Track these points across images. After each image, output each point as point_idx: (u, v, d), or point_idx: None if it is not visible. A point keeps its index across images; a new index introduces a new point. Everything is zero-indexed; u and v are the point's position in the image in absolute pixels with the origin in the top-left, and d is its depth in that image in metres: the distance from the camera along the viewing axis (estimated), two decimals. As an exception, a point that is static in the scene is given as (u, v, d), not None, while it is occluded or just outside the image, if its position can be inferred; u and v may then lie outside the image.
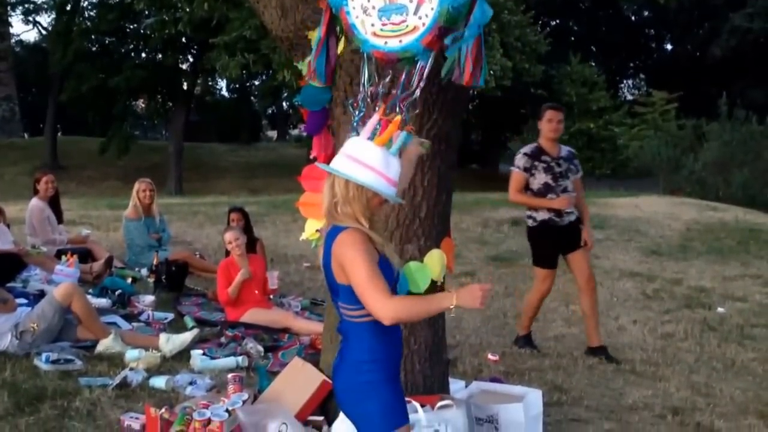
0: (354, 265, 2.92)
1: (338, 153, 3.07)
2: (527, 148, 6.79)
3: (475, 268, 10.38)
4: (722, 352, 6.91)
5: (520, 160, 6.68)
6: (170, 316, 7.21)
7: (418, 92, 3.35)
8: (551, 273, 6.72)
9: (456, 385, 5.00)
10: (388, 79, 3.64)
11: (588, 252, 6.76)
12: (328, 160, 4.41)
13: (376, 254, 3.00)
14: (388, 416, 3.03)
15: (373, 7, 3.33)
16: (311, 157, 4.46)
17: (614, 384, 5.95)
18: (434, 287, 4.13)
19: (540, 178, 6.59)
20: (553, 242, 6.67)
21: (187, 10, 20.08)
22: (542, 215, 6.62)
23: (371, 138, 3.03)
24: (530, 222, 6.73)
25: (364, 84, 3.50)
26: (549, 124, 6.67)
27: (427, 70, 3.33)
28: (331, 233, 3.03)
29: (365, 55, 3.45)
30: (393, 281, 3.09)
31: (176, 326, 6.88)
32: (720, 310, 8.39)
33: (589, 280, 6.69)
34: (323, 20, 3.68)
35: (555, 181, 6.59)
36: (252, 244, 8.36)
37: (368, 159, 2.97)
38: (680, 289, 9.21)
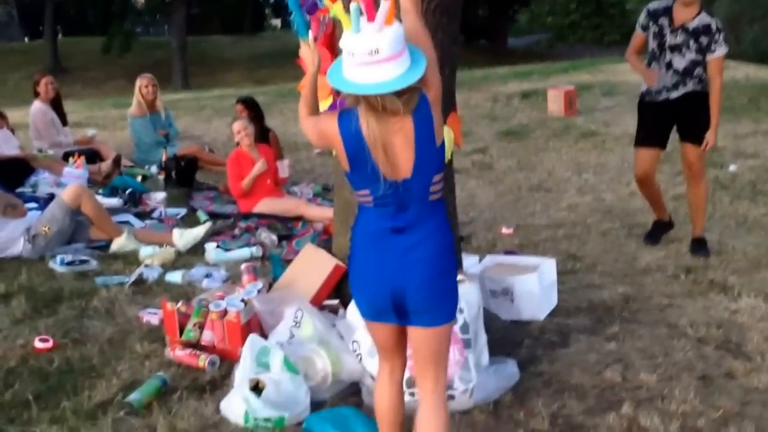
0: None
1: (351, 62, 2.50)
2: (655, 4, 5.70)
3: (486, 144, 10.28)
4: (734, 210, 6.86)
5: (641, 15, 5.78)
6: (182, 211, 7.20)
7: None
8: (641, 152, 5.86)
9: (470, 261, 4.99)
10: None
11: (701, 146, 5.66)
12: (328, 42, 4.29)
13: None
14: (457, 303, 2.83)
15: None
16: (310, 39, 4.32)
17: (627, 248, 5.93)
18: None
19: (650, 44, 5.68)
20: (645, 119, 5.87)
21: None
22: (642, 86, 5.83)
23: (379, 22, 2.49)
24: None
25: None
26: None
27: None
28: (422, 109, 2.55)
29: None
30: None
31: (189, 221, 6.89)
32: (732, 168, 8.29)
33: (690, 170, 5.81)
34: None
35: (661, 52, 5.63)
36: (264, 135, 8.27)
37: (396, 45, 2.47)
38: (691, 147, 9.12)
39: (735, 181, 7.78)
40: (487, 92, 14.25)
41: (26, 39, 38.69)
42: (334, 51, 4.20)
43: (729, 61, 14.69)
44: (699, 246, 5.80)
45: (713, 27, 5.45)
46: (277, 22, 52.01)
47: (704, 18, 5.48)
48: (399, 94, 2.48)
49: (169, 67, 28.36)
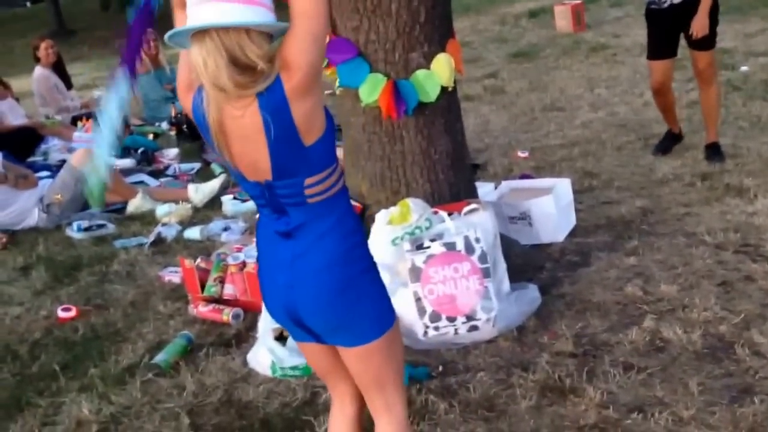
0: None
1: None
2: None
3: (497, 67, 10.14)
4: (747, 111, 6.72)
5: None
6: (197, 165, 7.18)
7: None
8: (653, 64, 5.77)
9: (485, 188, 4.95)
10: None
11: (704, 46, 5.56)
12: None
13: None
14: (385, 313, 2.20)
15: None
16: None
17: (643, 161, 5.84)
18: (445, 92, 4.00)
19: None
20: (653, 28, 5.79)
21: None
22: None
23: None
24: None
25: None
26: None
27: None
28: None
29: None
30: None
31: (204, 175, 6.85)
32: (743, 68, 8.12)
33: (700, 77, 5.72)
34: None
35: None
36: None
37: None
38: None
39: (747, 82, 7.61)
40: (495, 14, 14.03)
41: (28, 4, 38.43)
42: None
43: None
44: (713, 152, 5.70)
45: None
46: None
47: None
48: (240, 69, 1.92)
49: (171, 20, 28.12)
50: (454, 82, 4.07)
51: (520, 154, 6.38)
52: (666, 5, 5.58)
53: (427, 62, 3.95)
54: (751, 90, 7.31)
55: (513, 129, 7.29)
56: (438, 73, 3.93)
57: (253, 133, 1.97)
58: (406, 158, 4.04)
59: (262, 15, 1.94)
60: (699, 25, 5.44)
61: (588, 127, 6.93)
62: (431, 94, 3.93)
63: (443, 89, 3.96)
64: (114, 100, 2.82)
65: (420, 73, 3.92)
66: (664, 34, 5.68)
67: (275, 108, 1.94)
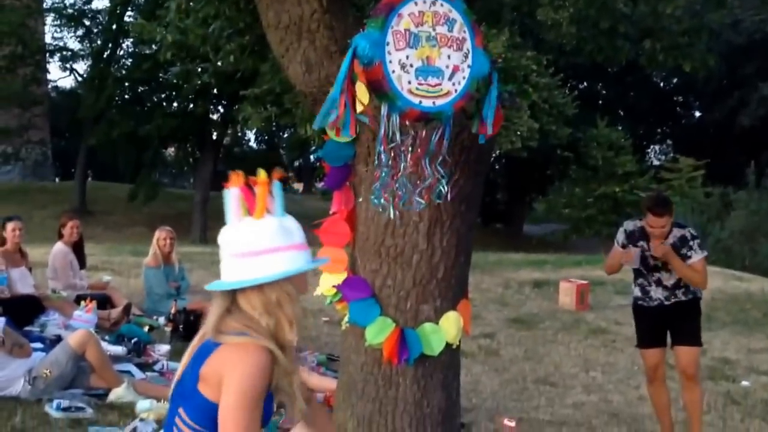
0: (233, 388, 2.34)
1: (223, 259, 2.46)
2: (630, 224, 5.98)
3: (494, 329, 10.27)
4: (745, 428, 6.72)
5: (619, 234, 6.03)
6: (184, 366, 7.14)
7: (445, 151, 3.41)
8: (646, 353, 6.04)
9: (469, 451, 4.91)
10: (409, 138, 3.67)
11: (692, 348, 5.83)
12: (349, 216, 4.39)
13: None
14: None
15: (411, 66, 3.43)
16: (331, 212, 4.45)
17: (632, 457, 5.81)
18: (448, 348, 4.09)
19: (636, 264, 5.88)
20: (641, 323, 6.07)
21: (215, 62, 20.31)
22: (635, 292, 6.04)
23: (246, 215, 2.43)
24: None
25: (388, 139, 3.51)
26: (650, 229, 5.71)
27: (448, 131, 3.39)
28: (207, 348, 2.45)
29: (387, 112, 3.47)
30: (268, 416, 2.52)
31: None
32: (744, 383, 8.18)
33: (684, 374, 5.86)
34: (346, 71, 3.58)
35: (648, 271, 5.87)
36: None
37: (264, 241, 2.36)
38: (704, 360, 9.01)
39: (747, 397, 7.64)
40: (500, 277, 14.33)
41: (57, 179, 39.66)
42: (353, 225, 4.30)
43: (744, 274, 14.78)
44: None
45: (687, 236, 5.73)
46: (299, 186, 53.20)
47: (677, 232, 5.74)
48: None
49: (189, 219, 28.87)
50: (459, 340, 4.17)
51: (507, 422, 6.32)
52: (655, 303, 5.86)
53: (436, 316, 4.07)
54: (750, 407, 7.32)
55: (503, 394, 7.30)
56: (445, 330, 4.04)
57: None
58: (398, 405, 4.07)
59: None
60: (663, 249, 5.63)
61: (579, 409, 6.93)
62: (435, 348, 4.02)
63: (448, 345, 4.05)
64: None
65: (427, 326, 4.03)
66: (652, 329, 5.94)
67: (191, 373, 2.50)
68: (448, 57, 3.51)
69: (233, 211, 2.40)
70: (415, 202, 3.62)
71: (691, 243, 5.70)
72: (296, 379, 2.47)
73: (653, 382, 6.03)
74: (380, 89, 3.41)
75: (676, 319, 5.84)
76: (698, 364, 5.93)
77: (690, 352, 5.81)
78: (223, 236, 2.42)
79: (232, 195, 2.40)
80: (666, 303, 5.84)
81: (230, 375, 2.32)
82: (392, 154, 3.56)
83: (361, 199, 4.16)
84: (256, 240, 2.35)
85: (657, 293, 5.87)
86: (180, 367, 2.55)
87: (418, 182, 3.73)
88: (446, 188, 3.76)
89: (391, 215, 3.90)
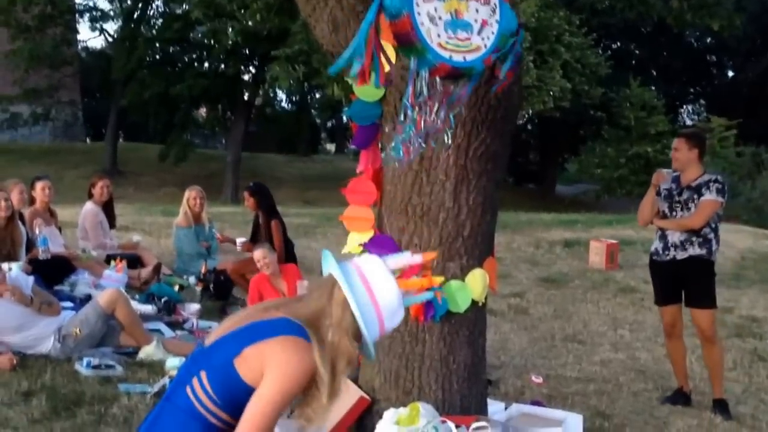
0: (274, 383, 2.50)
1: (354, 261, 2.69)
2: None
3: (524, 288, 10.24)
4: (771, 384, 6.71)
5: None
6: (215, 325, 7.17)
7: (464, 102, 3.36)
8: (663, 310, 6.15)
9: (495, 407, 4.91)
10: (437, 95, 3.60)
11: (702, 304, 5.91)
12: (375, 175, 4.37)
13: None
14: None
15: (440, 18, 3.28)
16: (358, 171, 4.44)
17: (659, 412, 5.80)
18: (474, 306, 4.08)
19: (661, 205, 6.07)
20: (656, 279, 6.20)
21: (242, 20, 20.15)
22: (654, 244, 6.16)
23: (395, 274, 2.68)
24: None
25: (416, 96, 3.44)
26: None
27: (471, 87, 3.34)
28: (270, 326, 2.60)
29: (416, 67, 3.39)
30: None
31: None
32: (771, 339, 8.16)
33: (702, 335, 5.98)
34: (372, 20, 3.30)
35: (671, 211, 6.00)
36: (267, 224, 8.49)
37: (381, 296, 2.60)
38: (731, 317, 8.98)
39: (774, 354, 7.62)
40: (531, 237, 14.26)
41: (88, 140, 39.88)
42: (379, 185, 4.28)
43: (768, 231, 14.47)
44: (721, 408, 5.78)
45: (711, 180, 5.89)
46: (331, 146, 53.13)
47: (707, 176, 5.93)
48: None
49: (221, 180, 28.95)
50: (485, 297, 4.16)
51: (534, 379, 6.36)
52: (668, 258, 5.93)
53: (462, 274, 4.06)
54: (777, 364, 7.30)
55: (531, 352, 7.30)
56: (471, 287, 4.03)
57: None
58: (424, 362, 4.08)
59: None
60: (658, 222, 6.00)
61: (607, 366, 6.92)
62: (461, 305, 4.01)
63: (473, 302, 4.04)
64: None
65: (453, 284, 4.02)
66: (666, 287, 6.05)
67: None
68: (476, 11, 3.38)
69: (395, 262, 2.74)
70: (417, 143, 3.48)
71: (711, 185, 5.85)
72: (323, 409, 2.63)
73: (671, 338, 6.18)
74: (408, 42, 3.28)
75: (689, 280, 5.92)
76: (714, 325, 6.01)
77: (704, 314, 5.91)
78: (372, 262, 2.66)
79: (406, 258, 2.83)
80: (678, 258, 5.89)
81: (277, 369, 2.49)
82: (417, 110, 3.50)
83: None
84: (383, 292, 2.58)
85: (674, 237, 5.92)
86: (219, 329, 2.65)
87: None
88: (449, 139, 3.69)
89: (412, 166, 3.90)
